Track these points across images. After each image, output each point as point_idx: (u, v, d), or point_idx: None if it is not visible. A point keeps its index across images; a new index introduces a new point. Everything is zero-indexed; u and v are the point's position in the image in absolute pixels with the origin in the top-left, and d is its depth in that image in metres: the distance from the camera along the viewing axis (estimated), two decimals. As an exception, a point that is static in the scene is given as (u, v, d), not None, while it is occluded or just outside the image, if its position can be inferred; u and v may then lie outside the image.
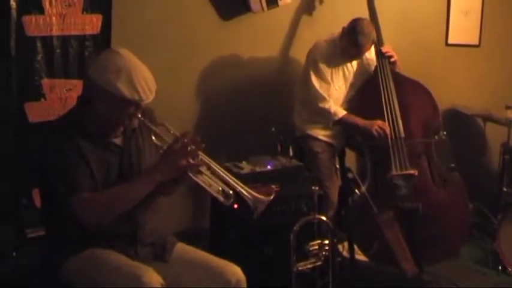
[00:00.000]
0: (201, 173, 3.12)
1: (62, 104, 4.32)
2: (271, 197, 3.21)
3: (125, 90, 2.93)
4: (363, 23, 4.80)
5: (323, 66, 4.89)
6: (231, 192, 3.13)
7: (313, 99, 4.92)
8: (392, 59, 5.09)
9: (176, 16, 4.90)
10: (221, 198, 3.13)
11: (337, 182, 5.06)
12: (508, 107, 5.57)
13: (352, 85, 5.14)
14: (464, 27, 6.34)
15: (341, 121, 4.94)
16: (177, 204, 4.31)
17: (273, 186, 4.26)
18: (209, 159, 3.14)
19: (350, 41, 4.81)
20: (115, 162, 3.15)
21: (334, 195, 4.94)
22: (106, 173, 3.09)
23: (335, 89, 4.99)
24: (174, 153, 3.04)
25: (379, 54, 5.06)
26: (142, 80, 2.98)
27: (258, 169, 4.46)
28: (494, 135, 6.07)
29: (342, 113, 4.92)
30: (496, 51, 6.54)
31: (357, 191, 4.44)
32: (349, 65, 5.08)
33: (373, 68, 5.16)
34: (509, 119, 5.53)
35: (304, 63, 5.05)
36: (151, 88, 3.02)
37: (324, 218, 3.93)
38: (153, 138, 3.18)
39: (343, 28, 4.89)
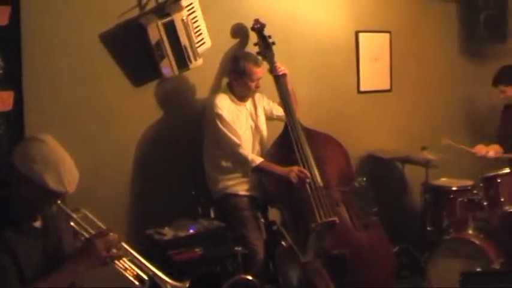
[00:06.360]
0: (119, 259, 3.15)
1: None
2: (187, 286, 3.27)
3: (52, 183, 2.91)
4: (240, 51, 5.17)
5: (228, 117, 4.98)
6: (146, 278, 3.18)
7: (230, 149, 4.97)
8: (281, 72, 5.25)
9: (89, 88, 4.88)
10: (136, 283, 3.16)
11: (263, 237, 5.07)
12: (423, 148, 5.72)
13: (256, 128, 5.24)
14: (374, 73, 6.48)
15: (259, 168, 4.97)
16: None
17: (197, 250, 4.28)
18: (128, 247, 3.17)
19: (238, 71, 5.03)
20: (39, 247, 3.11)
21: (261, 250, 4.93)
22: (33, 259, 3.03)
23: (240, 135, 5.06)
24: (96, 245, 3.03)
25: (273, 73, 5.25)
26: (68, 171, 2.98)
27: (180, 234, 4.44)
28: (414, 176, 6.19)
29: (258, 160, 4.98)
30: (407, 94, 6.71)
31: (283, 243, 4.48)
32: (245, 108, 5.20)
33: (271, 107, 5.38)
34: (426, 159, 5.68)
35: (207, 125, 5.10)
36: (75, 179, 3.02)
37: (249, 277, 3.94)
38: (71, 223, 3.19)
39: (228, 73, 5.16)
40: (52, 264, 3.06)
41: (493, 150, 5.93)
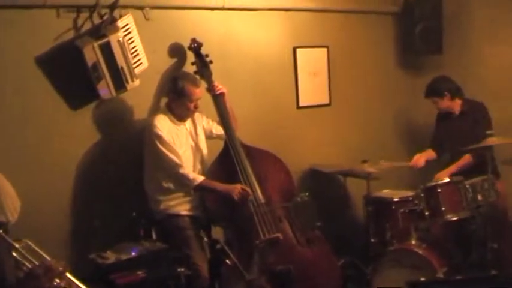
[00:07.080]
0: None
1: None
2: None
3: None
4: (179, 71, 5.23)
5: (167, 137, 4.95)
6: None
7: (171, 170, 4.95)
8: (219, 91, 5.26)
9: (26, 112, 4.81)
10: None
11: (207, 256, 5.05)
12: (364, 161, 5.77)
13: (196, 147, 5.22)
14: (313, 88, 6.51)
15: (201, 186, 4.96)
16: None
17: (139, 273, 4.25)
18: (72, 277, 3.14)
19: (177, 91, 5.01)
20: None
21: (205, 270, 4.90)
22: None
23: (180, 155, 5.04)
24: (39, 277, 3.00)
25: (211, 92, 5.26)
26: (10, 201, 2.96)
27: (123, 257, 4.40)
28: (356, 188, 6.28)
29: (200, 178, 4.97)
30: (346, 108, 6.77)
31: (227, 261, 4.47)
32: (185, 128, 5.18)
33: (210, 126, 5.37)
34: (366, 171, 5.73)
35: (146, 146, 5.06)
36: (17, 208, 3.00)
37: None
38: (14, 254, 3.14)
39: (167, 94, 5.16)
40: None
41: (427, 156, 6.11)
